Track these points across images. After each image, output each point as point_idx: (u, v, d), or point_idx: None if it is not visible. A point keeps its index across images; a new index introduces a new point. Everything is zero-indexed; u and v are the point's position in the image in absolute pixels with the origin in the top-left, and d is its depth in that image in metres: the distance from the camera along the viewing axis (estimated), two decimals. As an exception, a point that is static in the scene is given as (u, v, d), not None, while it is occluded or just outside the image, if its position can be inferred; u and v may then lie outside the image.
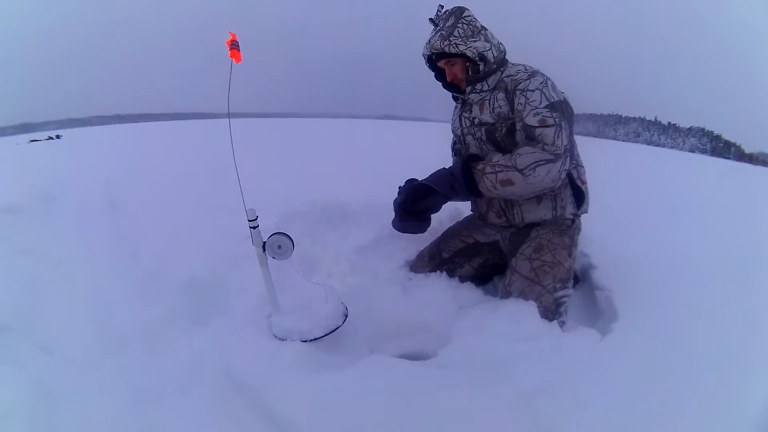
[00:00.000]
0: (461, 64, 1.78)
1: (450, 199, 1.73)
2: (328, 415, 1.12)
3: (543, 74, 1.71)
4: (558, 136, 1.59)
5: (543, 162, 1.57)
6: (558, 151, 1.58)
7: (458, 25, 1.73)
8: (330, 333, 1.40)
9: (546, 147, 1.58)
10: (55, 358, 1.32)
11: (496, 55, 1.76)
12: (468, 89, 1.81)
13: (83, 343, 1.35)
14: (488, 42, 1.75)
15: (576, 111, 1.77)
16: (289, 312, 1.46)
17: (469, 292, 1.91)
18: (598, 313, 1.79)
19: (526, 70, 1.73)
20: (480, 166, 1.65)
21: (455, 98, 1.98)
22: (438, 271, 1.98)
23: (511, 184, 1.59)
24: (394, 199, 1.81)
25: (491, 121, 1.77)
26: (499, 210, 1.88)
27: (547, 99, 1.64)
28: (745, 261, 2.35)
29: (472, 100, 1.84)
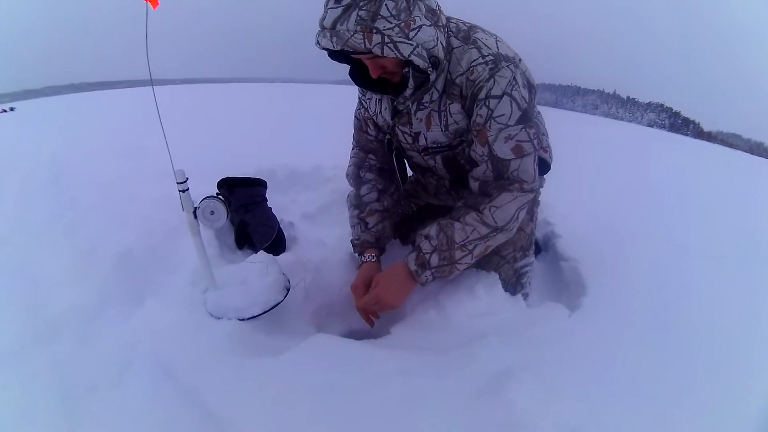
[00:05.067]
0: (395, 59, 1.13)
1: None
2: (265, 407, 0.98)
3: (506, 59, 1.20)
4: (535, 163, 1.27)
5: (524, 206, 1.28)
6: (536, 184, 1.29)
7: None
8: (269, 310, 1.24)
9: (525, 185, 1.25)
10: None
11: (444, 43, 1.20)
12: (406, 100, 1.28)
13: (14, 330, 1.22)
14: (432, 23, 1.13)
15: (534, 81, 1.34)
16: (226, 286, 1.28)
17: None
18: (564, 285, 1.69)
19: (483, 58, 1.18)
20: (442, 261, 1.26)
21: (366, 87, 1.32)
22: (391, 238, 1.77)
23: (488, 248, 1.30)
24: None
25: (446, 141, 1.35)
26: (447, 190, 1.62)
27: (519, 107, 1.20)
28: (707, 234, 2.32)
29: (413, 111, 1.35)
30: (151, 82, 1.07)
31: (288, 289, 1.30)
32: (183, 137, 3.59)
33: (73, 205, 2.10)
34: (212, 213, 1.14)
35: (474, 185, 1.31)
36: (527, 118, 1.22)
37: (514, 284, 1.45)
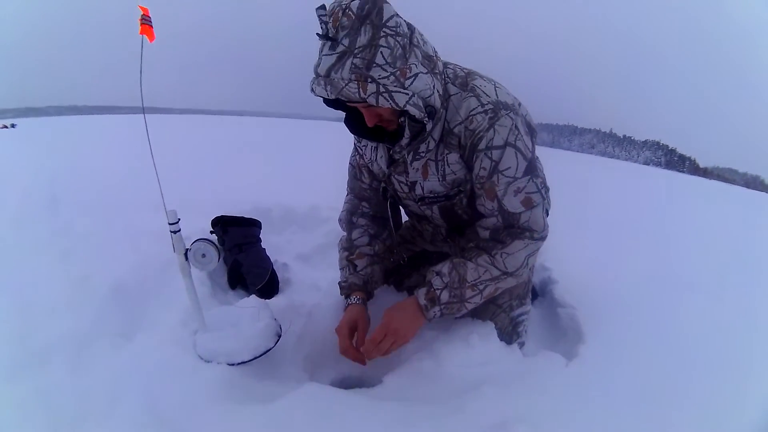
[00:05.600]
0: (390, 108, 1.08)
1: None
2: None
3: (506, 106, 1.17)
4: (544, 212, 1.28)
5: (535, 253, 1.29)
6: (546, 232, 1.29)
7: (380, 42, 1.00)
8: (260, 356, 1.21)
9: (535, 235, 1.26)
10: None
11: (441, 91, 1.17)
12: (402, 150, 1.25)
13: (4, 355, 1.21)
14: (429, 70, 1.10)
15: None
16: (217, 329, 1.26)
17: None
18: (561, 333, 1.65)
19: (483, 106, 1.16)
20: (452, 298, 1.25)
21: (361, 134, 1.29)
22: (385, 284, 1.71)
23: (498, 290, 1.31)
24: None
25: (443, 191, 1.33)
26: (444, 238, 1.60)
27: (524, 158, 1.19)
28: (708, 273, 2.30)
29: (409, 161, 1.32)
30: (143, 113, 1.07)
31: (279, 336, 1.28)
32: (180, 168, 3.63)
33: (69, 230, 2.10)
34: (203, 256, 1.13)
35: (484, 234, 1.30)
36: (533, 168, 1.22)
37: (509, 333, 1.42)
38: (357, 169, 1.55)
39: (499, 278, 1.25)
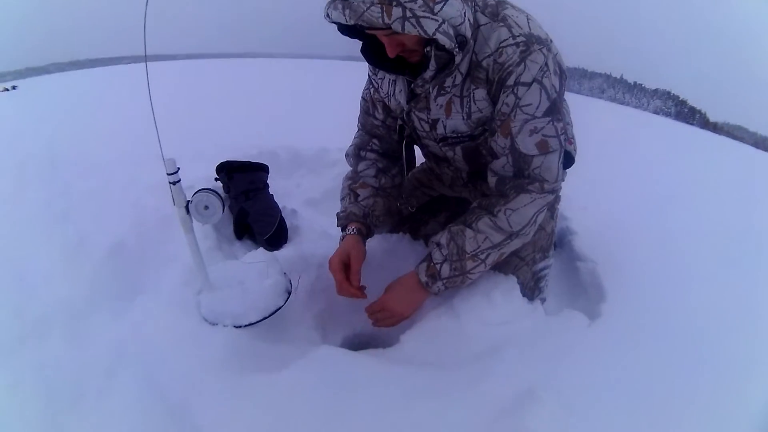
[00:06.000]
0: (416, 36, 0.98)
1: None
2: None
3: (539, 41, 1.04)
4: (560, 161, 1.14)
5: (544, 209, 1.16)
6: (558, 185, 1.17)
7: None
8: (268, 317, 1.14)
9: (546, 185, 1.12)
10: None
11: (471, 19, 1.03)
12: (426, 83, 1.12)
13: (1, 328, 1.16)
14: None
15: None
16: (222, 288, 1.17)
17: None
18: (581, 289, 1.59)
19: (514, 38, 1.03)
20: (453, 272, 1.17)
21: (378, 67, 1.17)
22: (400, 232, 1.64)
23: (503, 255, 1.20)
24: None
25: (467, 131, 1.21)
26: (464, 183, 1.48)
27: (548, 97, 1.06)
28: (728, 234, 2.21)
29: (432, 96, 1.19)
30: (146, 64, 0.94)
31: (289, 293, 1.20)
32: (183, 115, 3.48)
33: (67, 191, 2.00)
34: (206, 208, 1.02)
35: (491, 180, 1.19)
36: (556, 110, 1.09)
37: (531, 288, 1.35)
38: (370, 104, 1.42)
39: (503, 244, 1.15)
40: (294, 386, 0.97)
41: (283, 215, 1.77)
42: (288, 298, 1.18)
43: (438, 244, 1.19)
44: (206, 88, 5.71)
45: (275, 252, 1.47)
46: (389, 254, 1.53)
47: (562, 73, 1.12)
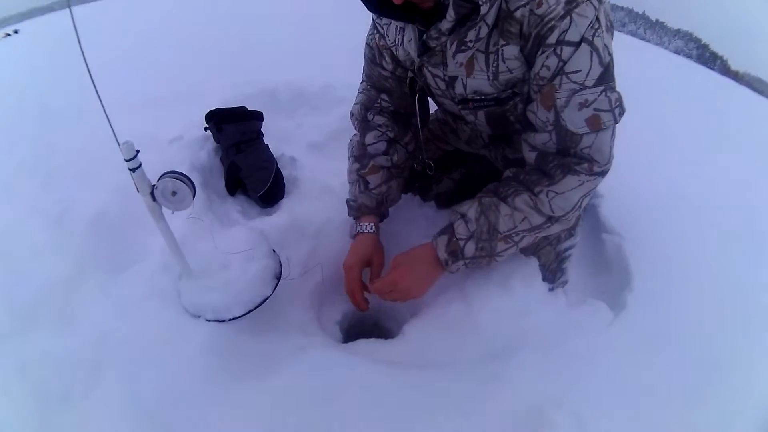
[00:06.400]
0: None
1: None
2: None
3: None
4: (613, 138, 0.93)
5: (591, 190, 0.96)
6: (609, 166, 0.95)
7: None
8: (254, 309, 1.00)
9: (596, 167, 0.92)
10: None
11: None
12: (442, 36, 0.92)
13: None
14: None
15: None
16: (204, 275, 1.03)
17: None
18: (605, 266, 1.43)
19: None
20: (479, 252, 1.00)
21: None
22: (408, 192, 1.46)
23: (537, 239, 1.03)
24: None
25: (492, 92, 0.99)
26: (485, 144, 1.29)
27: (601, 62, 0.85)
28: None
29: (449, 51, 0.96)
30: None
31: (278, 278, 1.05)
32: (174, 49, 3.18)
33: (54, 149, 1.81)
34: (174, 194, 0.85)
35: (529, 155, 0.99)
36: (609, 77, 0.87)
37: (554, 270, 1.19)
38: (376, 52, 1.19)
39: (541, 227, 0.98)
40: (281, 398, 0.87)
41: (279, 167, 1.59)
42: (277, 284, 1.04)
43: (464, 217, 1.00)
44: (200, 18, 5.27)
45: (268, 218, 1.33)
46: (395, 218, 1.36)
47: (611, 28, 0.90)
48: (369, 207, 1.20)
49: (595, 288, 1.33)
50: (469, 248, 0.99)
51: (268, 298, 1.01)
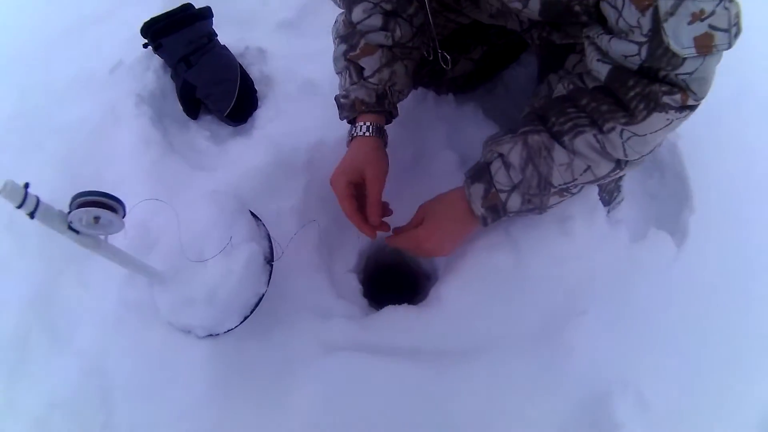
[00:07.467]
0: None
1: None
2: None
3: None
4: (718, 64, 0.63)
5: (676, 128, 0.68)
6: (703, 99, 0.65)
7: None
8: (249, 315, 0.78)
9: (690, 99, 0.62)
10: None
11: None
12: None
13: None
14: None
15: None
16: (178, 279, 0.78)
17: (474, 128, 1.11)
18: (659, 169, 1.17)
19: None
20: (525, 206, 0.77)
21: None
22: (418, 87, 1.12)
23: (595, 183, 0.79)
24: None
25: None
26: (523, 27, 0.92)
27: None
28: None
29: None
30: None
31: (271, 262, 0.81)
32: None
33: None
34: (97, 220, 0.56)
35: (598, 67, 0.68)
36: None
37: (611, 191, 0.98)
38: None
39: (607, 176, 0.73)
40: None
41: (245, 69, 1.23)
42: (271, 271, 0.80)
43: (504, 161, 0.75)
44: None
45: (244, 150, 1.07)
46: (403, 122, 1.02)
47: None
48: (366, 102, 0.87)
49: (648, 202, 1.11)
50: (514, 202, 0.76)
51: (264, 295, 0.79)
